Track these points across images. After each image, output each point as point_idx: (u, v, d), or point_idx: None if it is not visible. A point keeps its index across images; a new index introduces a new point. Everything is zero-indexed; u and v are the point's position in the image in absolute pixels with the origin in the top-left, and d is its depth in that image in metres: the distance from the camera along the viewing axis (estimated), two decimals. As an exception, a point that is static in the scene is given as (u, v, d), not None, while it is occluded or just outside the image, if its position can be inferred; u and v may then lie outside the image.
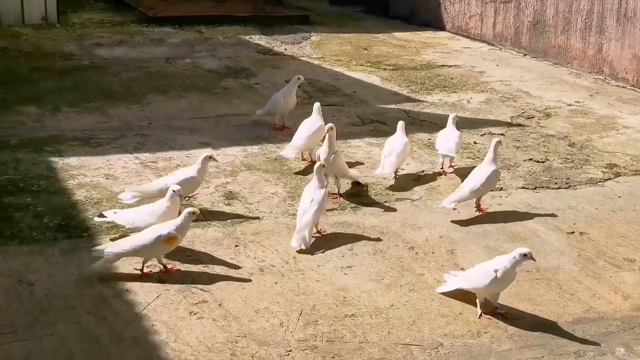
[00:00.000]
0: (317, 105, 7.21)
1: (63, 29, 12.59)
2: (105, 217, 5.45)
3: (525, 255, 4.62)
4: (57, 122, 8.07)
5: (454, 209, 6.03)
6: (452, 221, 5.97)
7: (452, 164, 7.07)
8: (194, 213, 5.00)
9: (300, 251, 5.39)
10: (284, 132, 7.85)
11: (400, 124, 6.85)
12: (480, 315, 4.67)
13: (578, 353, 4.34)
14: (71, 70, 10.13)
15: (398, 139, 6.74)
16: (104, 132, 7.79)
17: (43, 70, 10.07)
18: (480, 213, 6.11)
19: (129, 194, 5.80)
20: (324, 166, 5.77)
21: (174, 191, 5.34)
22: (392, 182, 6.66)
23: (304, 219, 5.44)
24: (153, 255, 5.03)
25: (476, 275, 4.70)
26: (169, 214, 5.29)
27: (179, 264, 5.15)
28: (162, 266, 5.03)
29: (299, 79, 7.94)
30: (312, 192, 5.57)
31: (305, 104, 8.92)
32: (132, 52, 11.33)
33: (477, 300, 4.70)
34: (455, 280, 4.88)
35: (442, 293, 4.89)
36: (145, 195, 5.76)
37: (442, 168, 7.01)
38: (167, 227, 4.98)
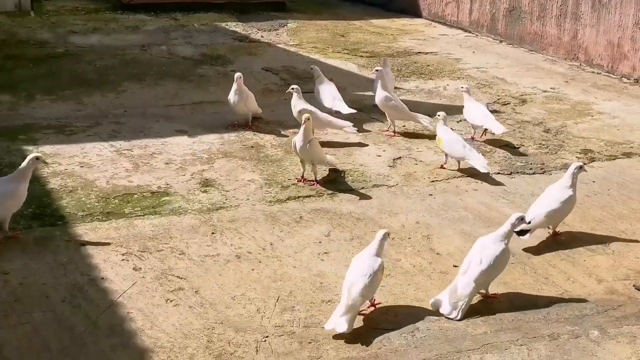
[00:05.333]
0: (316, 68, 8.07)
1: (37, 17, 12.46)
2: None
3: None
4: (32, 110, 8.01)
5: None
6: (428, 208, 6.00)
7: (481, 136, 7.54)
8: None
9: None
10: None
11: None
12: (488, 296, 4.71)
13: (552, 336, 4.38)
14: (45, 58, 10.04)
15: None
16: (79, 120, 7.74)
17: (17, 58, 9.96)
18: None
19: None
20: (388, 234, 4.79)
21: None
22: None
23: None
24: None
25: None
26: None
27: (154, 252, 5.14)
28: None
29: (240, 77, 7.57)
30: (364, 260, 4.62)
31: (282, 91, 8.90)
32: (107, 40, 11.24)
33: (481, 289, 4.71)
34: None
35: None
36: None
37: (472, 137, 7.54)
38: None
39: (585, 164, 6.96)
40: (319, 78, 8.00)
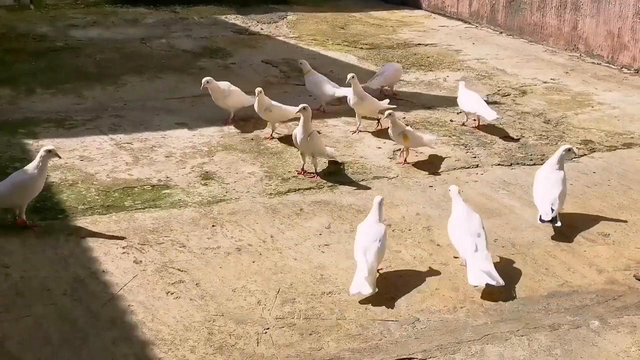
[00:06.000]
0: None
1: (36, 10, 12.46)
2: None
3: None
4: (31, 104, 8.01)
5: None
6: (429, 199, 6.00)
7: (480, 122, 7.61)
8: None
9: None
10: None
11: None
12: None
13: (553, 326, 4.39)
14: (45, 51, 10.04)
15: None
16: (79, 113, 7.74)
17: (16, 52, 9.96)
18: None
19: None
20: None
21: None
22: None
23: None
24: None
25: None
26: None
27: (155, 245, 5.15)
28: None
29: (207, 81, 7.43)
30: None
31: (282, 84, 8.91)
32: (107, 33, 11.24)
33: None
34: None
35: None
36: None
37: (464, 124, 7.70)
38: None
39: (585, 154, 7.00)
40: (309, 72, 7.95)
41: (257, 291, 4.65)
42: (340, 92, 7.80)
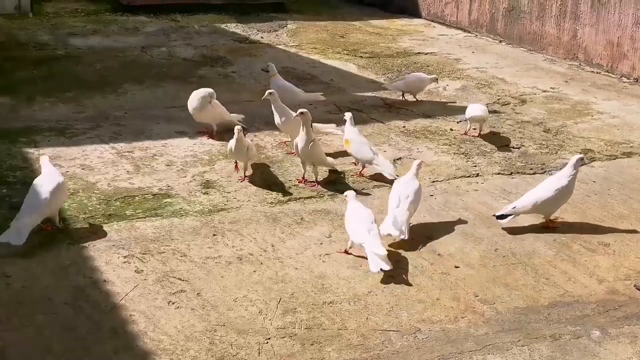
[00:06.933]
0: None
1: (37, 19, 12.46)
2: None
3: None
4: (32, 112, 8.01)
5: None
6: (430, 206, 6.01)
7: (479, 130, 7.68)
8: None
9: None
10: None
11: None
12: None
13: (554, 336, 4.39)
14: (45, 60, 10.04)
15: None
16: (79, 122, 7.74)
17: (17, 60, 9.97)
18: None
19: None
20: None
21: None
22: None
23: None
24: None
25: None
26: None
27: (156, 254, 5.15)
28: None
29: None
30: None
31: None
32: (107, 42, 11.25)
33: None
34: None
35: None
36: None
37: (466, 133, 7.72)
38: None
39: (584, 164, 7.00)
40: (275, 75, 7.94)
41: (258, 301, 4.65)
42: (306, 97, 7.80)
